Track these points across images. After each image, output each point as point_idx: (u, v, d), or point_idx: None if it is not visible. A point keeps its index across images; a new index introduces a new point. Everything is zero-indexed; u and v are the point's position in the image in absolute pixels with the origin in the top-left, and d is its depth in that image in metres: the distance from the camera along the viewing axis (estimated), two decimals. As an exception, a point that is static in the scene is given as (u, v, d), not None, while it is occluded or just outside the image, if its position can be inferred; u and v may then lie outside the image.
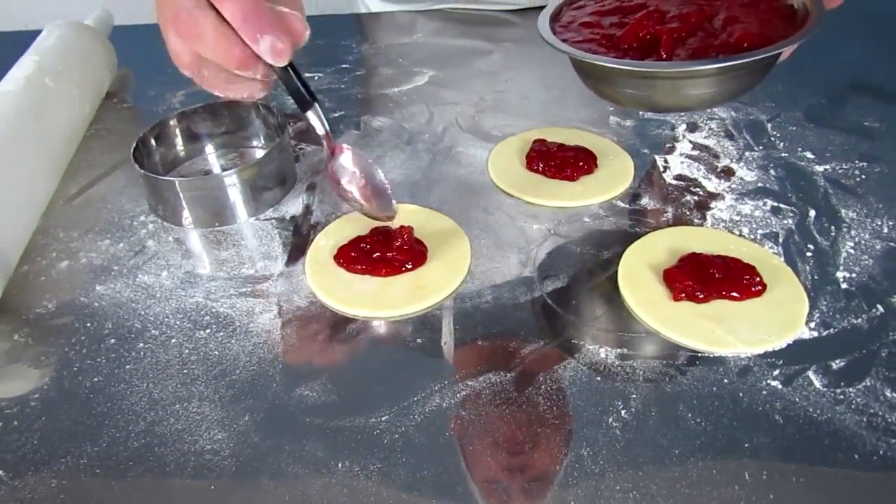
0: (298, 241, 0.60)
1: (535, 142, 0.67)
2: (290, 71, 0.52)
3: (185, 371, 0.49)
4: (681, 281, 0.51)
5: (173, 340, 0.51)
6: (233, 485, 0.42)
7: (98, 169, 0.71)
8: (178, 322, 0.53)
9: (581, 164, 0.64)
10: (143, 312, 0.54)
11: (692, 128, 0.72)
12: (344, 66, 0.88)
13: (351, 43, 0.94)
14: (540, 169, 0.65)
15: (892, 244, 0.57)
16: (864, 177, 0.64)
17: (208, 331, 0.52)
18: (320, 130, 0.56)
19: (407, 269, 0.55)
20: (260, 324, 0.52)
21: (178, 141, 0.68)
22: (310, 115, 0.55)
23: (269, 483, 0.42)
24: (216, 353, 0.50)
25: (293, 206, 0.64)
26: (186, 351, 0.50)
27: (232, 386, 0.48)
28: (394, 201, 0.58)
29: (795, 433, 0.43)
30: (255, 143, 0.71)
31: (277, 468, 0.43)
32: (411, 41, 0.94)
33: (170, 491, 0.42)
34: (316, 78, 0.85)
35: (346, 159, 0.58)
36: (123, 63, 0.89)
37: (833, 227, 0.59)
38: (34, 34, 0.79)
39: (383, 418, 0.45)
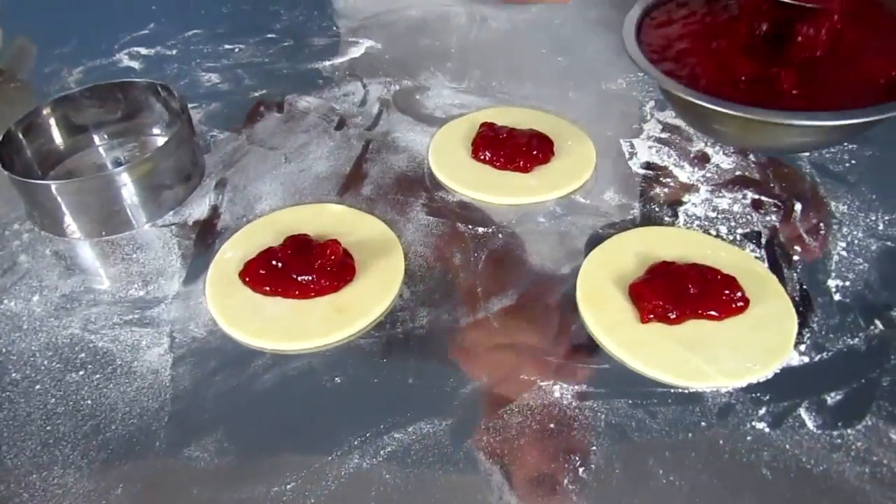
0: (201, 251, 0.51)
1: (482, 126, 0.58)
2: None
3: (48, 428, 0.40)
4: (650, 299, 0.43)
5: (38, 387, 0.42)
6: (95, 584, 0.33)
7: (-32, 165, 0.60)
8: (45, 361, 0.43)
9: (535, 152, 0.55)
10: (4, 349, 0.44)
11: (662, 105, 0.63)
12: (269, 35, 0.77)
13: (279, 8, 0.83)
14: (487, 159, 0.56)
15: (889, 244, 0.49)
16: (854, 161, 0.57)
17: (82, 372, 0.43)
18: None
19: (326, 289, 0.46)
20: (146, 361, 0.43)
21: (56, 133, 0.57)
22: None
23: (142, 580, 0.33)
24: (89, 402, 0.41)
25: (198, 207, 0.54)
26: (53, 400, 0.41)
27: (105, 446, 0.39)
28: None
29: (787, 491, 0.36)
30: (155, 130, 0.61)
31: (153, 559, 0.34)
32: (347, 5, 0.83)
33: None
34: (236, 50, 0.75)
35: None
36: (22, 31, 0.77)
37: (822, 224, 0.51)
38: None
39: (288, 487, 0.37)
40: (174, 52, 0.75)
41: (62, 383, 0.42)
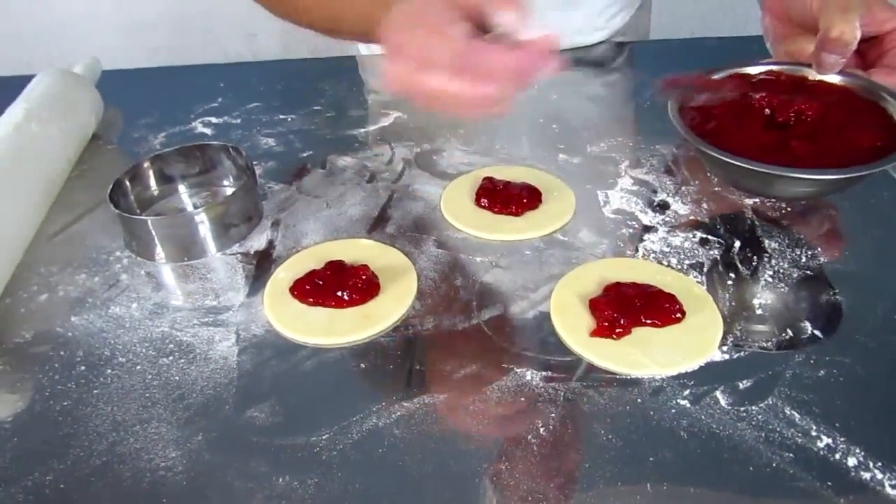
0: (260, 274, 0.65)
1: (483, 179, 0.72)
2: None
3: (146, 395, 0.53)
4: (603, 310, 0.55)
5: (138, 367, 0.56)
6: (183, 499, 0.46)
7: (80, 208, 0.76)
8: (143, 350, 0.57)
9: (525, 200, 0.69)
10: (112, 341, 0.58)
11: (634, 164, 0.77)
12: (315, 107, 0.94)
13: (325, 86, 1.00)
14: (486, 205, 0.69)
15: (808, 272, 0.61)
16: (789, 209, 0.69)
17: (171, 358, 0.56)
18: None
19: (356, 301, 0.59)
20: (218, 351, 0.57)
21: (152, 182, 0.73)
22: None
23: (216, 497, 0.46)
24: (176, 378, 0.55)
25: (258, 241, 0.69)
26: (149, 377, 0.55)
27: (188, 408, 0.52)
28: None
29: (697, 448, 0.47)
30: (225, 182, 0.77)
31: (224, 483, 0.47)
32: (378, 84, 0.99)
33: (126, 504, 0.46)
34: (289, 119, 0.91)
35: None
36: (113, 104, 0.95)
37: (755, 257, 0.63)
38: (31, 78, 0.85)
39: (323, 437, 0.49)
40: (238, 120, 0.92)
41: (156, 365, 0.56)
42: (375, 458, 0.48)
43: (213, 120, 0.92)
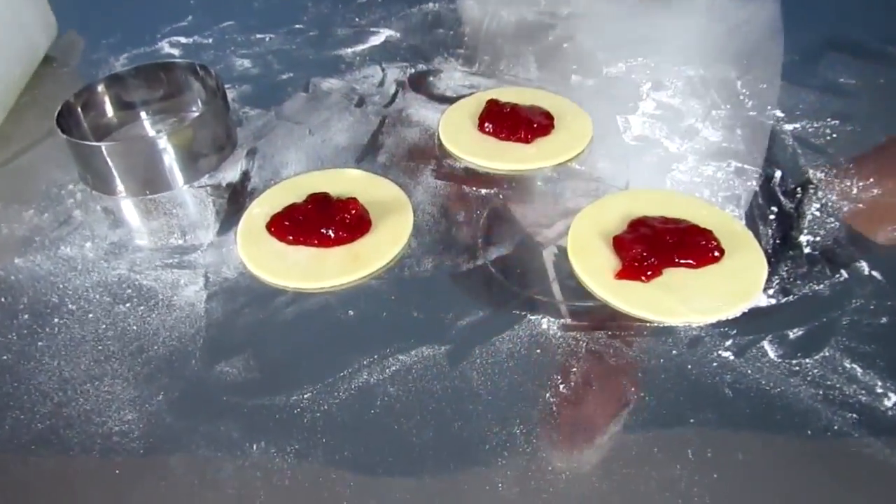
0: (233, 209, 0.56)
1: (488, 102, 0.63)
2: None
3: (99, 348, 0.46)
4: (630, 248, 0.48)
5: (90, 315, 0.48)
6: (140, 468, 0.39)
7: (28, 137, 0.67)
8: (97, 296, 0.49)
9: (535, 125, 0.60)
10: (62, 286, 0.51)
11: (657, 86, 0.68)
12: (297, 26, 0.84)
13: (307, 2, 0.89)
14: (491, 130, 0.61)
15: (861, 206, 0.53)
16: (835, 136, 0.61)
17: (128, 305, 0.49)
18: None
19: (344, 239, 0.51)
20: (184, 297, 0.49)
21: (108, 108, 0.64)
22: None
23: (179, 466, 0.39)
24: (134, 328, 0.47)
25: (230, 172, 0.60)
26: (103, 326, 0.47)
27: (148, 363, 0.45)
28: None
29: (745, 407, 0.40)
30: (194, 108, 0.67)
31: (188, 450, 0.40)
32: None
33: (73, 475, 0.39)
34: (267, 39, 0.81)
35: None
36: (70, 23, 0.84)
37: (799, 189, 0.55)
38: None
39: (305, 396, 0.42)
40: (210, 40, 0.82)
41: (111, 313, 0.48)
42: (366, 420, 0.41)
43: (182, 40, 0.83)
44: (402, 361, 0.44)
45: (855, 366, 0.42)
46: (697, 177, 0.57)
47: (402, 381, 0.42)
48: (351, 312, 0.47)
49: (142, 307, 0.48)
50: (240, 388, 0.43)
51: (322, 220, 0.52)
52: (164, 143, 0.57)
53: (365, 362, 0.44)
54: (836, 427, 0.39)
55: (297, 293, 0.49)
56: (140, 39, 0.83)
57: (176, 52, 0.80)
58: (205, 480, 0.38)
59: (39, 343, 0.46)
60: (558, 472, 0.37)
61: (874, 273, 0.48)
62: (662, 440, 0.39)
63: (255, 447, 0.39)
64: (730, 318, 0.45)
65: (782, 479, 0.37)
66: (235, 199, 0.58)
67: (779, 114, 0.64)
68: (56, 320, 0.48)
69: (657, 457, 0.38)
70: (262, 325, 0.47)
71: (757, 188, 0.55)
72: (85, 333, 0.47)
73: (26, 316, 0.48)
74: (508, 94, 0.65)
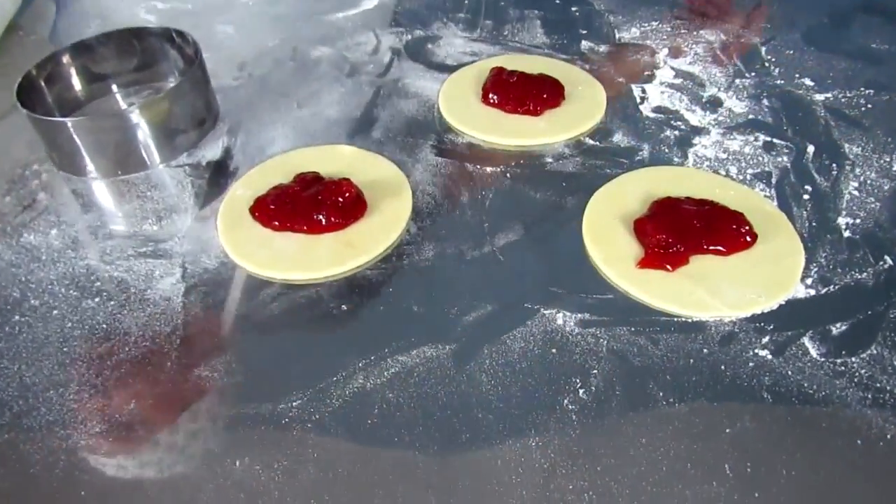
0: (214, 191, 0.51)
1: (492, 70, 0.57)
2: None
3: (64, 349, 0.41)
4: (653, 234, 0.43)
5: (55, 312, 0.43)
6: (108, 488, 0.35)
7: (-10, 111, 0.61)
8: (63, 290, 0.45)
9: (545, 95, 0.55)
10: (24, 278, 0.46)
11: (675, 52, 0.63)
12: (283, -11, 0.78)
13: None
14: (497, 102, 0.56)
15: (906, 182, 0.49)
16: (870, 106, 0.56)
17: (98, 299, 0.44)
18: None
19: (336, 225, 0.46)
20: (159, 290, 0.44)
21: (75, 80, 0.58)
22: None
23: (152, 487, 0.35)
24: (104, 326, 0.42)
25: (211, 150, 0.55)
26: (69, 324, 0.42)
27: (119, 367, 0.40)
28: None
29: (787, 415, 0.36)
30: (171, 80, 0.62)
31: (163, 468, 0.35)
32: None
33: (34, 496, 0.35)
34: (250, 3, 0.75)
35: None
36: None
37: (835, 166, 0.50)
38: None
39: (294, 404, 0.37)
40: (189, 5, 0.76)
41: (78, 309, 0.43)
42: (363, 431, 0.36)
43: (160, 5, 0.77)
44: (401, 363, 0.39)
45: (907, 365, 0.38)
46: (723, 152, 0.52)
47: (402, 386, 0.38)
48: (344, 307, 0.43)
49: (112, 302, 0.44)
50: (221, 394, 0.38)
51: (312, 204, 0.47)
52: (136, 117, 0.52)
53: (361, 364, 0.39)
54: (889, 435, 0.35)
55: (284, 285, 0.44)
56: (113, 4, 0.77)
57: (152, 17, 0.74)
58: (181, 502, 0.34)
59: (-2, 344, 0.42)
60: (580, 493, 0.33)
61: (922, 259, 0.43)
62: (696, 454, 0.34)
63: (237, 463, 0.35)
64: (766, 311, 0.41)
65: (831, 499, 0.33)
66: (216, 180, 0.52)
67: (808, 82, 0.59)
68: (17, 318, 0.43)
69: (690, 473, 0.34)
70: (246, 321, 0.42)
71: (788, 165, 0.51)
72: (49, 333, 0.42)
73: (-16, 313, 0.44)
74: (514, 62, 0.59)
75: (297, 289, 0.44)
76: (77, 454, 0.36)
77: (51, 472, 0.35)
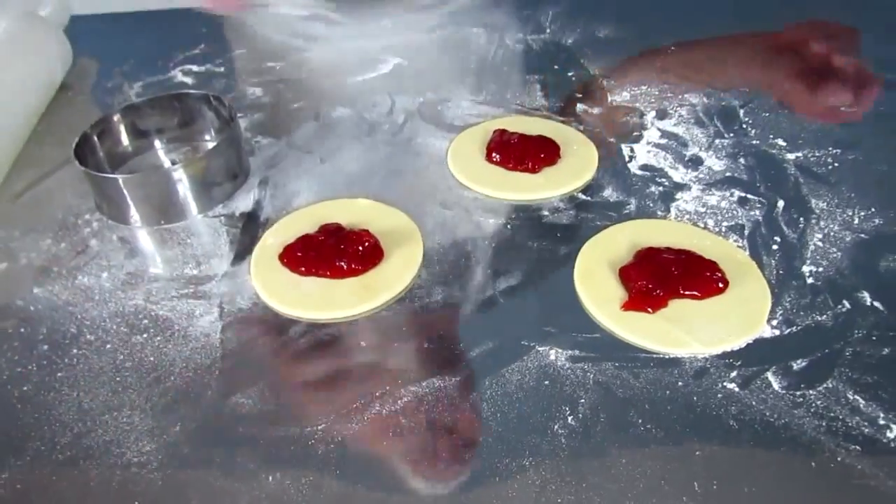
0: (246, 239, 0.58)
1: (495, 132, 0.64)
2: None
3: (117, 378, 0.47)
4: (636, 280, 0.49)
5: (108, 346, 0.49)
6: (158, 499, 0.40)
7: (45, 165, 0.68)
8: (114, 326, 0.51)
9: (542, 154, 0.61)
10: (79, 316, 0.52)
11: (661, 115, 0.69)
12: (307, 54, 0.85)
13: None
14: (499, 160, 0.62)
15: (862, 236, 0.54)
16: (837, 164, 0.62)
17: (145, 335, 0.50)
18: None
19: (356, 270, 0.52)
20: (199, 327, 0.50)
21: (124, 137, 0.66)
22: None
23: (196, 497, 0.40)
24: (151, 358, 0.48)
25: (243, 201, 0.62)
26: (121, 357, 0.48)
27: (165, 394, 0.46)
28: None
29: (750, 440, 0.41)
30: (206, 137, 0.69)
31: (205, 482, 0.41)
32: (377, 26, 0.91)
33: (93, 507, 0.40)
34: (277, 68, 0.83)
35: None
36: (85, 53, 0.86)
37: (802, 219, 0.56)
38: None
39: (319, 427, 0.43)
40: (222, 69, 0.84)
41: (128, 344, 0.49)
42: (380, 451, 0.41)
43: (195, 68, 0.84)
44: (413, 392, 0.45)
45: (858, 397, 0.43)
46: (702, 206, 0.58)
47: (413, 412, 0.43)
48: (363, 343, 0.48)
49: (158, 338, 0.49)
50: (255, 419, 0.44)
51: (335, 251, 0.53)
52: (179, 174, 0.58)
53: (377, 393, 0.45)
54: (839, 458, 0.40)
55: (310, 324, 0.50)
56: (153, 67, 0.85)
57: (189, 80, 0.82)
58: (222, 512, 0.39)
59: (59, 374, 0.47)
60: (568, 505, 0.38)
61: (876, 304, 0.49)
62: (669, 473, 0.39)
63: (270, 478, 0.40)
64: (735, 349, 0.46)
65: (788, 512, 0.38)
66: (248, 229, 0.59)
67: (781, 142, 0.65)
68: (75, 351, 0.49)
69: (665, 489, 0.39)
70: (276, 355, 0.48)
71: (760, 218, 0.56)
72: (103, 364, 0.48)
73: (45, 347, 0.49)
74: (515, 124, 0.66)
75: (321, 327, 0.50)
76: (130, 469, 0.41)
77: (108, 486, 0.41)
